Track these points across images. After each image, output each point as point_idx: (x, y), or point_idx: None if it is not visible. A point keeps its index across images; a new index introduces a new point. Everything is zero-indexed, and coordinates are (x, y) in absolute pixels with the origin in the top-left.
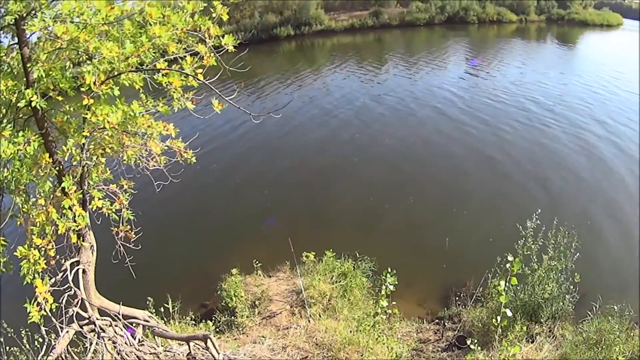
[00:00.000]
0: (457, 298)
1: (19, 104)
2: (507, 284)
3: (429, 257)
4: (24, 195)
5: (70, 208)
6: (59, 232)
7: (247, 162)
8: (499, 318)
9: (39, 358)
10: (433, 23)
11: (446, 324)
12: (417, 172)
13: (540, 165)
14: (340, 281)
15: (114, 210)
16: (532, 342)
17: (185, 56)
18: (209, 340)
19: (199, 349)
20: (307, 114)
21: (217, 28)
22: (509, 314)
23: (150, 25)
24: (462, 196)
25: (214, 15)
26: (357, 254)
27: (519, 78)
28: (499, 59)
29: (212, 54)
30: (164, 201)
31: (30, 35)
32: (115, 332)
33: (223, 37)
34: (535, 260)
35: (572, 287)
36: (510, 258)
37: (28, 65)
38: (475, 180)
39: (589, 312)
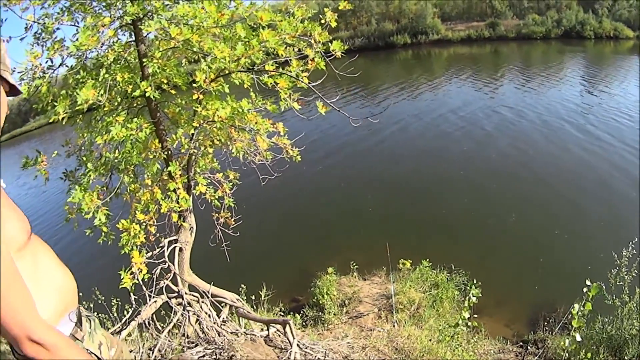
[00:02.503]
0: (545, 323)
1: (134, 94)
2: (582, 309)
3: (523, 277)
4: (132, 176)
5: (174, 190)
6: (162, 211)
7: (354, 167)
8: (567, 341)
9: (124, 320)
10: (549, 37)
11: (529, 348)
12: (524, 188)
13: None
14: (431, 291)
15: (216, 197)
16: None
17: (291, 59)
18: (288, 325)
19: (279, 335)
20: (420, 123)
21: (325, 34)
22: (578, 338)
23: (263, 28)
24: (567, 219)
25: (323, 21)
26: (453, 267)
27: (632, 98)
28: (618, 77)
29: (320, 58)
30: (268, 196)
31: (147, 35)
32: (202, 307)
33: (331, 42)
34: (627, 292)
35: None
36: (588, 282)
37: (144, 60)
38: (585, 203)
39: None
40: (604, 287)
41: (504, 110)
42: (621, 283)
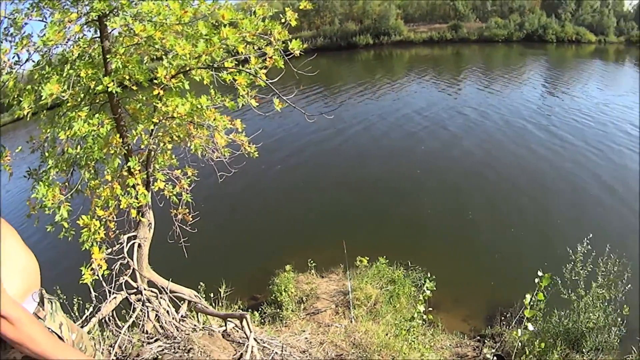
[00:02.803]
0: (502, 317)
1: (97, 89)
2: (534, 298)
3: (480, 274)
4: (93, 172)
5: (134, 186)
6: (121, 206)
7: (311, 166)
8: (519, 331)
9: (84, 317)
10: (511, 40)
11: (487, 342)
12: (480, 187)
13: (615, 191)
14: (388, 287)
15: (174, 193)
16: None
17: (250, 57)
18: (244, 319)
19: (237, 331)
20: (374, 123)
21: (284, 32)
22: (531, 328)
23: (224, 26)
24: (523, 217)
25: (283, 20)
26: (409, 263)
27: (600, 100)
28: (579, 80)
29: (279, 56)
30: (226, 193)
31: (112, 31)
32: (160, 303)
33: (290, 41)
34: (583, 286)
35: (620, 319)
36: (540, 273)
37: (107, 56)
38: (543, 201)
39: (634, 349)
40: (560, 282)
41: (467, 111)
42: (576, 278)
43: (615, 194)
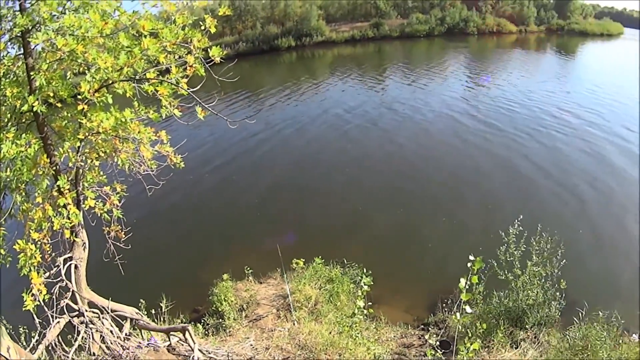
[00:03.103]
0: (443, 305)
1: (22, 109)
2: (469, 282)
3: (417, 265)
4: (24, 194)
5: (65, 206)
6: (54, 228)
7: (237, 172)
8: (458, 315)
9: (31, 345)
10: (433, 34)
11: (431, 329)
12: (405, 182)
13: (535, 172)
14: (326, 286)
15: (105, 210)
16: (517, 348)
17: (171, 66)
18: (187, 332)
19: (181, 344)
20: (302, 125)
21: (204, 39)
22: (469, 310)
23: (145, 37)
24: (453, 205)
25: (203, 27)
26: (345, 261)
27: (524, 87)
28: (502, 69)
29: (200, 64)
30: (158, 206)
31: (35, 47)
32: (103, 324)
33: (210, 48)
34: (519, 266)
35: (558, 293)
36: (471, 257)
37: (31, 74)
38: (469, 188)
39: (575, 319)
40: (496, 264)
41: (395, 106)
42: (511, 258)
43: (548, 175)
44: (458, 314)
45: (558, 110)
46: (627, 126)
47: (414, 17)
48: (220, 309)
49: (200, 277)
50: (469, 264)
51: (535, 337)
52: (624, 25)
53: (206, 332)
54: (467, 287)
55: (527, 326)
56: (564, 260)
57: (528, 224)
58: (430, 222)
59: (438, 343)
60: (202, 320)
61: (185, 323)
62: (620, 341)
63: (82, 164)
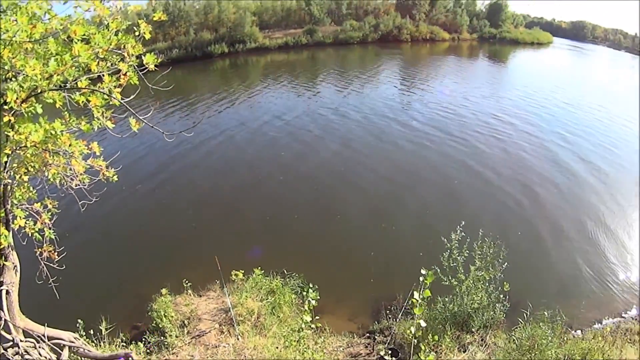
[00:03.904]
0: (387, 312)
1: None
2: (422, 296)
3: (359, 273)
4: None
5: None
6: None
7: (172, 183)
8: (412, 329)
9: None
10: (367, 41)
11: (377, 337)
12: (343, 189)
13: (474, 176)
14: (268, 298)
15: (36, 230)
16: (465, 351)
17: (104, 75)
18: (130, 358)
19: None
20: (237, 132)
21: (139, 46)
22: (423, 324)
23: (76, 42)
24: (392, 212)
25: (137, 33)
26: (285, 271)
27: (458, 93)
28: (436, 75)
29: (133, 72)
30: (89, 221)
31: None
32: (40, 354)
33: (144, 55)
34: (462, 271)
35: (502, 296)
36: (423, 271)
37: None
38: (407, 193)
39: (520, 320)
40: (439, 270)
41: (327, 112)
42: (454, 264)
43: (487, 179)
44: (413, 328)
45: (493, 116)
46: (562, 131)
47: (347, 24)
48: (160, 326)
49: (137, 292)
50: (421, 278)
51: (482, 340)
52: (553, 35)
53: (148, 351)
54: (420, 300)
55: (473, 329)
56: (506, 264)
57: (470, 227)
58: (369, 228)
59: (390, 352)
60: (143, 338)
61: (126, 343)
62: (565, 338)
63: (10, 180)
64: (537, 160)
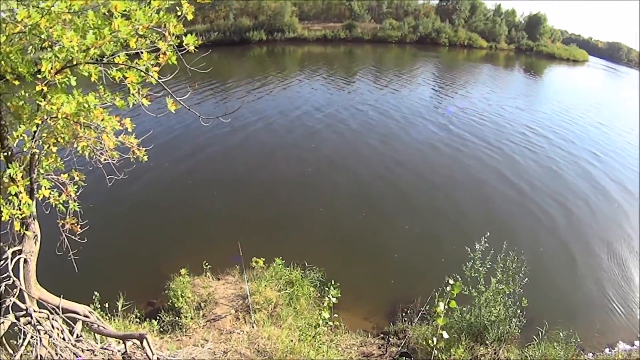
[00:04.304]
0: (404, 314)
1: None
2: (446, 307)
3: (379, 272)
4: None
5: (16, 195)
6: (3, 219)
7: (201, 164)
8: (434, 339)
9: None
10: (405, 41)
11: (391, 339)
12: (372, 186)
13: (506, 187)
14: (287, 289)
15: (61, 201)
16: None
17: (142, 52)
18: (144, 340)
19: (137, 348)
20: (269, 120)
21: (179, 26)
22: (446, 336)
23: (116, 17)
24: (417, 214)
25: (179, 13)
26: (307, 264)
27: (494, 102)
28: (472, 82)
29: (172, 52)
30: (116, 197)
31: None
32: (53, 325)
33: (185, 36)
34: (483, 282)
35: (519, 311)
36: (451, 281)
37: None
38: (435, 197)
39: (534, 337)
40: (460, 279)
41: (366, 108)
42: (476, 275)
43: (519, 191)
44: (435, 339)
45: (528, 128)
46: (594, 150)
47: (387, 23)
48: (176, 305)
49: (156, 269)
50: (447, 288)
51: (495, 353)
52: (589, 54)
53: (161, 329)
54: (444, 311)
55: (487, 342)
56: (526, 279)
57: (495, 238)
58: (395, 228)
59: (403, 356)
60: (158, 317)
61: (140, 319)
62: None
63: (38, 150)
64: (569, 176)
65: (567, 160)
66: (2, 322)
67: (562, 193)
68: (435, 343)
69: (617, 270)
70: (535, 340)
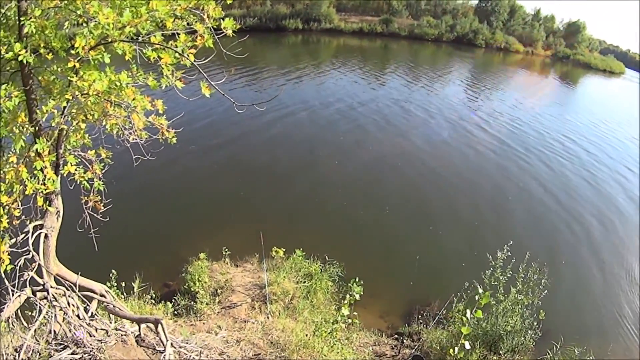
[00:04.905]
0: (419, 316)
1: (6, 56)
2: (472, 315)
3: (398, 270)
4: None
5: (41, 170)
6: (27, 192)
7: (226, 150)
8: (456, 348)
9: None
10: (441, 40)
11: (405, 340)
12: (397, 183)
13: (525, 196)
14: (305, 282)
15: (86, 178)
16: None
17: (179, 33)
18: (159, 324)
19: (151, 330)
20: (297, 110)
21: (218, 9)
22: (467, 346)
23: None
24: (442, 215)
25: None
26: (327, 257)
27: (530, 108)
28: (508, 86)
29: (210, 35)
30: (140, 176)
31: None
32: (69, 302)
33: (223, 19)
34: (502, 291)
35: (535, 323)
36: (480, 290)
37: (22, 18)
38: (460, 200)
39: (548, 351)
40: (479, 286)
41: (395, 105)
42: (496, 283)
43: (545, 202)
44: (456, 348)
45: (562, 137)
46: (628, 165)
47: (424, 20)
48: (192, 289)
49: (175, 251)
50: (476, 297)
51: None
52: (625, 66)
53: (175, 312)
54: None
55: (501, 352)
56: (546, 291)
57: (517, 247)
58: (416, 227)
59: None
60: (173, 299)
61: (155, 300)
62: None
63: (66, 125)
64: (599, 192)
65: (599, 175)
66: (19, 296)
67: (590, 208)
68: (456, 353)
69: (636, 291)
70: (549, 354)
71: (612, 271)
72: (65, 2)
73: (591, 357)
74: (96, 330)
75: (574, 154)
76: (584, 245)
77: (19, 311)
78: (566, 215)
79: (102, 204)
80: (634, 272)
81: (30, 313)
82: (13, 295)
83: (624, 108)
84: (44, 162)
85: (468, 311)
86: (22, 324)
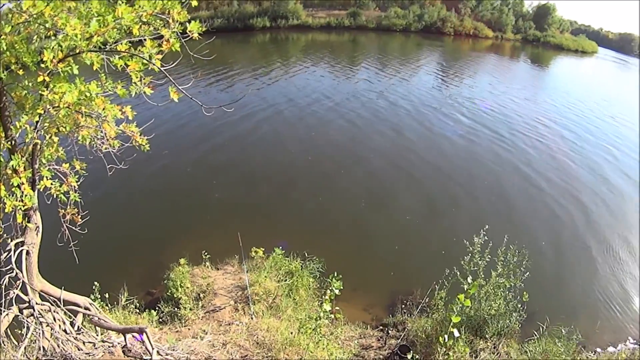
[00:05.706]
0: (403, 306)
1: None
2: (461, 305)
3: (378, 263)
4: None
5: (18, 186)
6: (6, 210)
7: (199, 151)
8: (446, 337)
9: None
10: (409, 30)
11: (390, 331)
12: (373, 174)
13: (502, 180)
14: (286, 280)
15: (62, 191)
16: (476, 357)
17: (145, 39)
18: (144, 333)
19: (136, 340)
20: (268, 108)
21: (183, 13)
22: (457, 334)
23: (120, 4)
24: (418, 204)
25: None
26: (306, 254)
27: (501, 92)
28: (478, 72)
29: (176, 39)
30: (115, 185)
31: (2, 6)
32: (54, 318)
33: (189, 22)
34: (482, 276)
35: (519, 305)
36: (469, 279)
37: None
38: (436, 187)
39: (535, 332)
40: (459, 273)
41: (374, 97)
42: (475, 268)
43: (530, 185)
44: (446, 336)
45: (538, 119)
46: (608, 144)
47: (392, 11)
48: (175, 296)
49: (155, 259)
50: (465, 287)
51: (494, 348)
52: (598, 45)
53: (160, 320)
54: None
55: (487, 335)
56: (528, 273)
57: (497, 231)
58: (396, 219)
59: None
60: (157, 307)
61: (139, 309)
62: (578, 358)
63: (39, 140)
64: (583, 171)
65: (580, 154)
66: (7, 315)
67: (576, 187)
68: (446, 340)
69: (620, 268)
70: (536, 335)
71: (595, 249)
72: (34, 16)
73: (578, 335)
74: (84, 343)
75: (553, 135)
76: (567, 227)
77: (8, 330)
78: (548, 197)
79: (80, 216)
80: (616, 250)
81: (19, 331)
82: (1, 314)
83: (600, 87)
84: (20, 178)
85: (458, 301)
86: (12, 342)
